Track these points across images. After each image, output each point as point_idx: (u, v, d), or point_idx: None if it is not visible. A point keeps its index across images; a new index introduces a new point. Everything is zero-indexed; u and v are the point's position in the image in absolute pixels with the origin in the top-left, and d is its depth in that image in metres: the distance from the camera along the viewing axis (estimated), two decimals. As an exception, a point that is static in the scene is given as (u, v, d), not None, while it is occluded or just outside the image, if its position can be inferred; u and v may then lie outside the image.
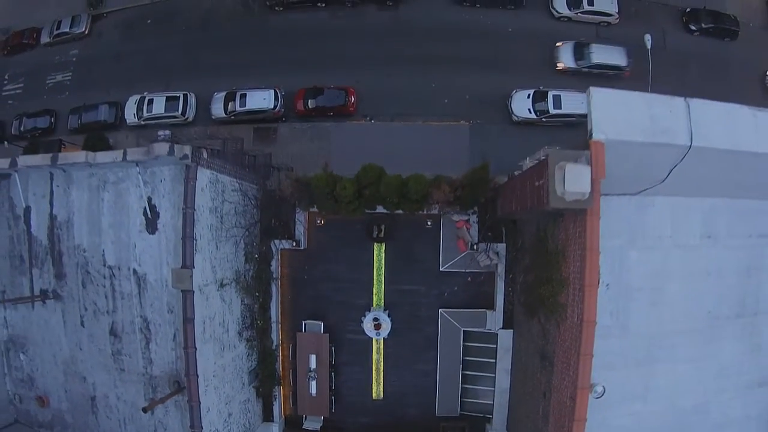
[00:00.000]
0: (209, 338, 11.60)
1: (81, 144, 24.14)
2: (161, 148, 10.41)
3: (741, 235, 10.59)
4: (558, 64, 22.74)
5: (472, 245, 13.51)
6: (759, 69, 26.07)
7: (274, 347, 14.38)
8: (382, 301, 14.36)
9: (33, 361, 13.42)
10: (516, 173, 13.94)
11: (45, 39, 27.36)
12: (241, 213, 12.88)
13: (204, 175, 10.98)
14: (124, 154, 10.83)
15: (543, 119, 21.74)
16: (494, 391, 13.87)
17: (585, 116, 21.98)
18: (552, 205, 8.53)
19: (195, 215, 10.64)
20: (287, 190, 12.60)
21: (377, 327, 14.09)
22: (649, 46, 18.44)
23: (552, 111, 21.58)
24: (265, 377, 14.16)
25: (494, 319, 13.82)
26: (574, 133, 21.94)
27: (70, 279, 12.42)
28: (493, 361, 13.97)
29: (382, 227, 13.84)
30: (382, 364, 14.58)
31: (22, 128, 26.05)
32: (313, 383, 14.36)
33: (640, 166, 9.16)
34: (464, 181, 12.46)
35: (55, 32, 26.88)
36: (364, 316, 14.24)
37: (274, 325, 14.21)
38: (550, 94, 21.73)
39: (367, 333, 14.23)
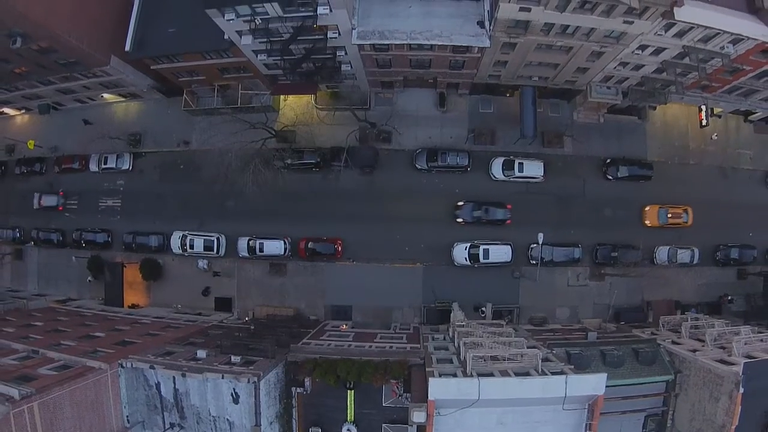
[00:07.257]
0: (267, 452, 30.24)
1: (138, 264, 41.71)
2: (244, 378, 28.04)
3: (523, 422, 28.23)
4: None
5: (399, 395, 31.47)
6: (662, 198, 41.24)
7: (294, 441, 33.13)
8: (353, 417, 32.69)
9: (165, 454, 32.28)
10: (422, 359, 31.46)
11: (93, 168, 43.94)
12: (277, 382, 30.74)
13: (262, 382, 28.58)
14: (222, 376, 28.45)
15: (476, 265, 38.35)
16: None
17: (509, 262, 39.13)
18: (410, 423, 26.27)
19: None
20: (301, 376, 30.39)
21: (350, 433, 32.65)
22: (540, 242, 34.87)
23: (482, 260, 38.18)
24: (289, 456, 33.12)
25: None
26: (500, 274, 38.71)
27: (189, 419, 30.80)
28: (414, 452, 32.50)
29: (352, 382, 31.75)
30: (355, 449, 33.29)
31: (82, 240, 43.36)
32: (317, 459, 33.33)
33: (458, 401, 26.53)
34: (393, 368, 30.04)
35: (103, 166, 43.14)
36: (342, 426, 32.67)
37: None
38: (481, 247, 38.19)
39: (345, 436, 32.80)
